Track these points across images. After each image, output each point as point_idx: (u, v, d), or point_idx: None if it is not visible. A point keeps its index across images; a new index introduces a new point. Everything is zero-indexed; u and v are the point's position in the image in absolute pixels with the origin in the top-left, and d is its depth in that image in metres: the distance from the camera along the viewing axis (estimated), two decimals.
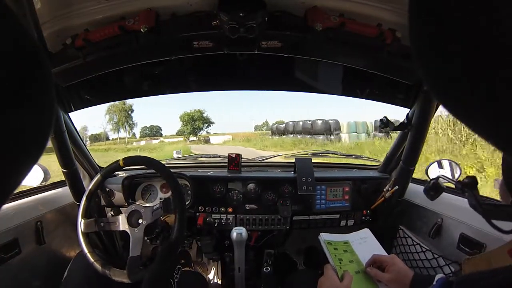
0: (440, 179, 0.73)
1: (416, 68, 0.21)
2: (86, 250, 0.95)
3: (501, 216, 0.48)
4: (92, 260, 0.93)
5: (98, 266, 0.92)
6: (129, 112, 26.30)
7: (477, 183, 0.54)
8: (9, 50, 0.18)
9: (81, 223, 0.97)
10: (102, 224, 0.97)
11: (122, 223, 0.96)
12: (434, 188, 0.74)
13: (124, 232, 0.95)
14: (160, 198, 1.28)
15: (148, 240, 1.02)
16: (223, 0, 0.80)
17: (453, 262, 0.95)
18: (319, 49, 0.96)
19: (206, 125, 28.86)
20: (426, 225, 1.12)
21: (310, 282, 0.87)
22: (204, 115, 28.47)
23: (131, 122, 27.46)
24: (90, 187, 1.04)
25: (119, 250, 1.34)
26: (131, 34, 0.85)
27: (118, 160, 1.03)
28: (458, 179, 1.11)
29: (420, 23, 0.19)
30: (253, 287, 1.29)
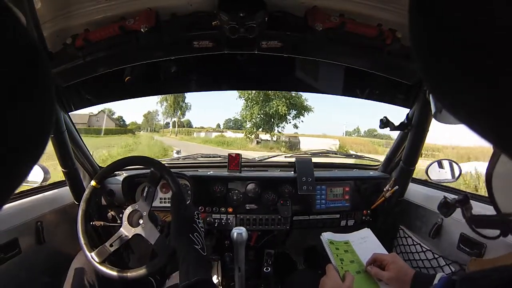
0: (446, 197, 0.79)
1: (416, 68, 0.21)
2: (107, 271, 0.93)
3: (487, 225, 0.53)
4: (119, 273, 0.92)
5: (133, 273, 0.91)
6: None
7: (468, 199, 0.64)
8: (9, 50, 0.18)
9: (92, 256, 0.94)
10: (112, 244, 0.96)
11: (127, 231, 0.96)
12: (446, 206, 0.78)
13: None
14: (160, 198, 1.28)
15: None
16: (223, 0, 0.80)
17: (453, 262, 0.95)
18: (319, 49, 0.96)
19: (294, 112, 13.49)
20: (426, 225, 1.12)
21: (310, 282, 0.87)
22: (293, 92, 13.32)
23: (183, 105, 19.74)
24: (80, 216, 1.00)
25: (120, 249, 1.33)
26: (131, 34, 0.85)
27: (90, 185, 1.04)
28: (458, 176, 1.14)
29: (420, 23, 0.19)
30: (253, 287, 1.29)
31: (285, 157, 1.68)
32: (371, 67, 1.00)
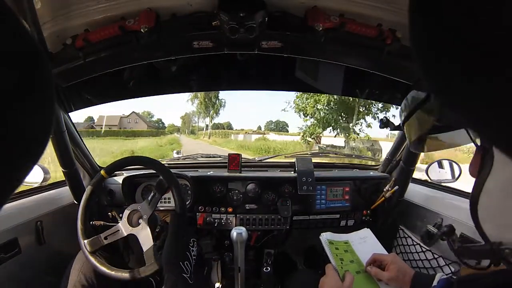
0: (428, 227, 0.81)
1: (416, 68, 0.21)
2: (95, 263, 0.94)
3: (473, 256, 0.52)
4: (105, 269, 0.93)
5: (118, 274, 0.91)
6: None
7: (454, 230, 0.66)
8: (9, 50, 0.18)
9: (85, 244, 0.95)
10: (106, 237, 0.96)
11: (124, 229, 0.96)
12: (429, 237, 0.79)
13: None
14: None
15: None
16: (223, 0, 0.80)
17: (453, 262, 0.95)
18: (319, 49, 0.96)
19: (379, 104, 9.44)
20: (426, 225, 1.12)
21: (310, 282, 0.87)
22: None
23: (216, 101, 17.63)
24: (82, 203, 1.01)
25: (120, 248, 1.34)
26: (131, 34, 0.84)
27: (99, 174, 1.05)
28: (458, 176, 1.13)
29: (420, 23, 0.19)
30: (253, 287, 1.29)
31: (285, 157, 1.68)
32: (371, 67, 1.00)
